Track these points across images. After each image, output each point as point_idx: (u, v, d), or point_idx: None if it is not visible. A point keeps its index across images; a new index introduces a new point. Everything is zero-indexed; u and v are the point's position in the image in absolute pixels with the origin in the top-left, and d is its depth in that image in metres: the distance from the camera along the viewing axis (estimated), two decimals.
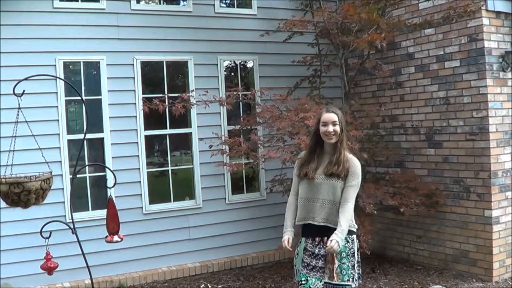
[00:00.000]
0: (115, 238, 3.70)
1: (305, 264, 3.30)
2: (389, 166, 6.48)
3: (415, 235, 6.25)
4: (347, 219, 3.19)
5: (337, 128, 3.28)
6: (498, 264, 5.47)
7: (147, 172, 5.94)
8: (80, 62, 5.63)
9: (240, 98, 5.99)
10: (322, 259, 3.26)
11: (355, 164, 3.30)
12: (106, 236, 3.74)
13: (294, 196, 3.44)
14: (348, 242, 3.26)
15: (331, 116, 3.29)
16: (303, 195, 3.33)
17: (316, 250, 3.28)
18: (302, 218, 3.33)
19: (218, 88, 6.27)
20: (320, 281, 3.24)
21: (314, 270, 3.26)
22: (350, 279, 3.24)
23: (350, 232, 3.28)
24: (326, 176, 3.27)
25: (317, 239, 3.30)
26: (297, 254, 3.40)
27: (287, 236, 3.31)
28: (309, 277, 3.25)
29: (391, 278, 5.75)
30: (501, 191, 5.47)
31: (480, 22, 5.37)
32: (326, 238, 3.23)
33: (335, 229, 3.17)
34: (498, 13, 5.47)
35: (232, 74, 6.71)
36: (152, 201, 5.98)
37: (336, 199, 3.24)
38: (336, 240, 3.08)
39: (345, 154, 3.30)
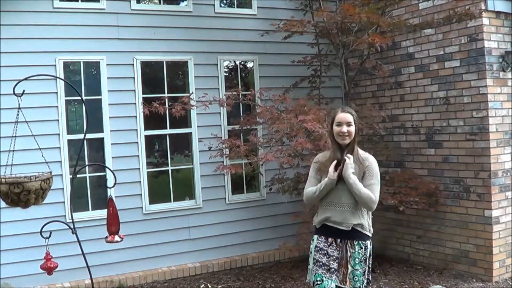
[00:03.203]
0: (116, 238, 3.70)
1: (317, 261, 3.25)
2: (389, 166, 6.47)
3: (415, 235, 6.25)
4: (366, 190, 3.14)
5: (352, 129, 3.19)
6: (498, 264, 5.47)
7: (147, 172, 5.94)
8: (80, 62, 5.63)
9: (240, 99, 5.99)
10: (337, 261, 3.22)
11: (371, 163, 3.24)
12: (107, 236, 3.74)
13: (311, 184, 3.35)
14: (361, 248, 3.24)
15: (346, 117, 3.20)
16: (325, 198, 3.27)
17: (330, 251, 3.24)
18: (322, 220, 3.29)
19: (218, 88, 6.27)
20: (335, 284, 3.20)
21: (330, 271, 3.21)
22: (362, 286, 3.23)
23: (365, 238, 3.25)
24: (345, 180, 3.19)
25: (329, 239, 3.26)
26: (311, 252, 3.35)
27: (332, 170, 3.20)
28: (325, 277, 3.19)
29: (391, 278, 5.75)
30: (501, 191, 5.47)
31: (480, 22, 5.37)
32: (339, 240, 3.22)
33: (353, 231, 3.18)
34: (498, 13, 5.47)
35: (232, 74, 6.71)
36: (152, 201, 5.98)
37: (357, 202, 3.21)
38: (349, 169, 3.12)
39: (360, 154, 3.26)
